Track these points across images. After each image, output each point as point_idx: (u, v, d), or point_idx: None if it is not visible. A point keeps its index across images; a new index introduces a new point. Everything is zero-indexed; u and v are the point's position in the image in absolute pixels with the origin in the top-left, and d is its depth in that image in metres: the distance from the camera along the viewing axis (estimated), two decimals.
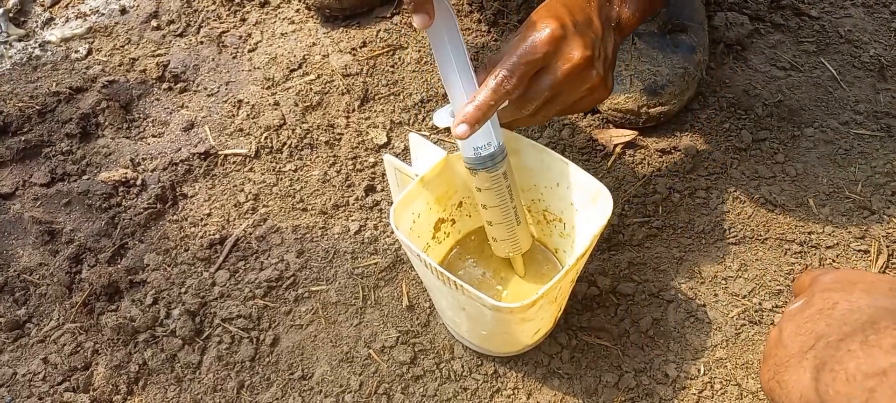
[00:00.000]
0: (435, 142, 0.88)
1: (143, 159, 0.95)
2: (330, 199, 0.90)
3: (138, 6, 1.13)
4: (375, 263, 0.84)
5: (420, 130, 0.97)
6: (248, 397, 0.75)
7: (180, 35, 1.09)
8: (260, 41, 1.07)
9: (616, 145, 0.92)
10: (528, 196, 0.76)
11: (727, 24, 1.04)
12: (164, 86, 1.03)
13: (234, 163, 0.94)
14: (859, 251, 0.83)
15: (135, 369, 0.77)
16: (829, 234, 0.84)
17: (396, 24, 1.06)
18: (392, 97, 0.99)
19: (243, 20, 1.10)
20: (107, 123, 0.98)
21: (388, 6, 1.09)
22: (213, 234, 0.87)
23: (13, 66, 1.06)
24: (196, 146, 0.95)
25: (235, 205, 0.90)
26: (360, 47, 1.04)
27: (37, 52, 1.08)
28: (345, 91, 0.99)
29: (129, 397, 0.76)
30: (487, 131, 0.65)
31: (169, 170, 0.93)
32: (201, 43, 1.08)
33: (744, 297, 0.80)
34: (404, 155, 0.94)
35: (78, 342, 0.79)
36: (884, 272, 0.82)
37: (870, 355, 0.43)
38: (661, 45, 0.92)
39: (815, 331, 0.48)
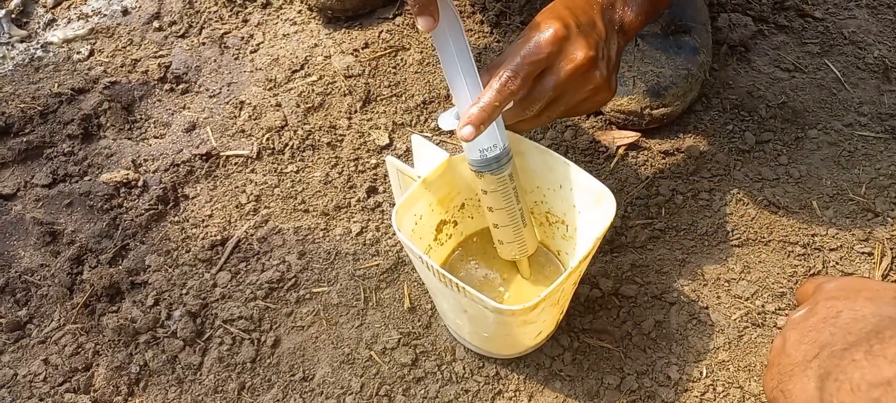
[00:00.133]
0: (437, 144, 0.88)
1: (145, 160, 0.95)
2: (332, 201, 0.90)
3: (140, 7, 1.13)
4: (377, 265, 0.84)
5: (422, 132, 0.96)
6: (249, 398, 0.75)
7: (182, 36, 1.09)
8: (262, 42, 1.07)
9: (619, 147, 0.92)
10: (530, 198, 0.76)
11: (730, 25, 1.04)
12: (166, 87, 1.03)
13: (235, 164, 0.94)
14: (863, 253, 0.83)
15: (136, 370, 0.77)
16: (833, 237, 0.84)
17: (398, 26, 1.06)
18: (394, 98, 0.99)
19: (245, 21, 1.10)
20: (108, 124, 0.98)
21: (391, 7, 1.09)
22: (215, 235, 0.87)
23: (15, 67, 1.06)
24: (198, 147, 0.95)
25: (237, 207, 0.90)
26: (363, 48, 1.04)
27: (39, 53, 1.08)
28: (347, 92, 0.99)
29: (129, 398, 0.76)
30: (493, 133, 0.65)
31: (170, 171, 0.93)
32: (203, 44, 1.07)
33: (747, 300, 0.80)
34: (406, 156, 0.93)
35: (79, 343, 0.79)
36: (887, 275, 0.81)
37: (874, 365, 0.42)
38: (665, 46, 0.92)
39: (820, 340, 0.48)
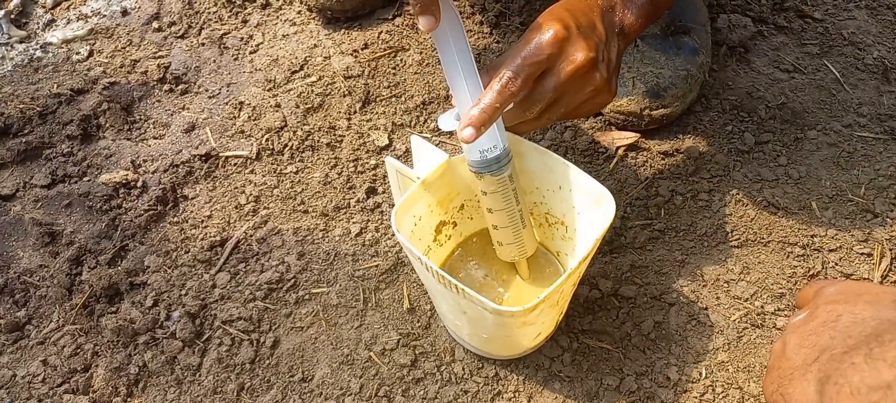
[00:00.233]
0: (436, 145, 0.88)
1: (144, 161, 0.95)
2: (331, 201, 0.90)
3: (140, 8, 1.13)
4: (376, 265, 0.84)
5: (422, 132, 0.96)
6: (249, 399, 0.75)
7: (181, 37, 1.09)
8: (261, 43, 1.07)
9: (618, 147, 0.92)
10: (530, 198, 0.76)
11: (730, 26, 1.04)
12: (166, 87, 1.03)
13: (234, 164, 0.94)
14: (862, 254, 0.83)
15: (135, 371, 0.77)
16: (832, 237, 0.84)
17: (398, 26, 1.06)
18: (393, 99, 0.99)
19: (245, 22, 1.10)
20: (108, 125, 0.98)
21: (390, 8, 1.09)
22: (214, 236, 0.87)
23: (14, 68, 1.06)
24: (197, 148, 0.95)
25: (236, 207, 0.90)
26: (362, 49, 1.04)
27: (38, 53, 1.08)
28: (346, 93, 0.99)
29: (128, 399, 0.76)
30: (493, 134, 0.65)
31: (170, 172, 0.93)
32: (202, 45, 1.07)
33: (746, 300, 0.80)
34: (405, 157, 0.93)
35: (78, 344, 0.79)
36: (886, 276, 0.81)
37: (874, 368, 0.42)
38: (664, 47, 0.92)
39: (819, 344, 0.48)
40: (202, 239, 0.87)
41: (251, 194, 0.91)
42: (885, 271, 0.82)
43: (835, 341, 0.47)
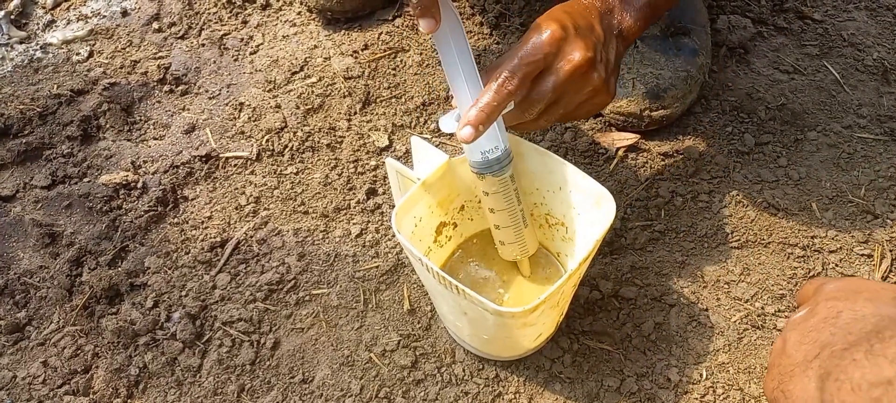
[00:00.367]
0: (437, 146, 0.88)
1: (144, 162, 0.95)
2: (331, 202, 0.90)
3: (140, 8, 1.12)
4: (377, 266, 0.84)
5: (422, 133, 0.96)
6: (249, 400, 0.75)
7: (182, 37, 1.09)
8: (261, 44, 1.07)
9: (618, 148, 0.92)
10: (530, 199, 0.76)
11: (730, 27, 1.04)
12: (166, 88, 1.03)
13: (235, 165, 0.94)
14: (862, 255, 0.83)
15: (135, 372, 0.77)
16: (832, 238, 0.84)
17: (398, 27, 1.06)
18: (394, 100, 0.99)
19: (245, 23, 1.10)
20: (108, 126, 0.98)
21: (390, 9, 1.09)
22: (214, 237, 0.87)
23: (14, 69, 1.06)
24: (197, 149, 0.95)
25: (236, 208, 0.90)
26: (362, 50, 1.04)
27: (38, 54, 1.08)
28: (346, 94, 0.99)
29: (128, 400, 0.76)
30: (494, 134, 0.65)
31: (170, 173, 0.93)
32: (203, 45, 1.07)
33: (746, 302, 0.80)
34: (406, 158, 0.93)
35: (78, 345, 0.79)
36: (886, 277, 0.81)
37: (875, 364, 0.42)
38: (664, 48, 0.92)
39: (820, 341, 0.48)
40: (202, 241, 0.87)
41: (251, 195, 0.91)
42: (885, 272, 0.82)
43: (835, 337, 0.47)
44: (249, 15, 1.11)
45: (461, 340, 0.77)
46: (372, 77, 1.01)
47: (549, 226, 0.78)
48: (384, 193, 0.91)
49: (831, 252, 0.83)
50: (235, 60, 1.06)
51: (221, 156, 0.95)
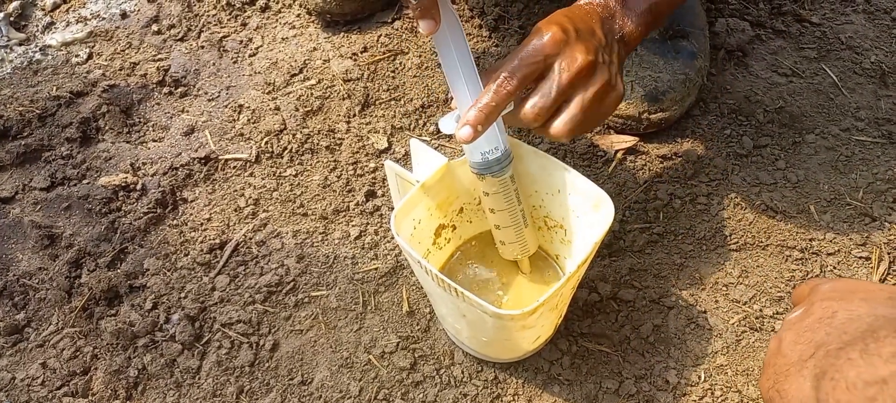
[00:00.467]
0: (436, 148, 0.88)
1: (144, 164, 0.95)
2: (330, 204, 0.90)
3: (139, 11, 1.13)
4: (376, 268, 0.84)
5: (421, 136, 0.97)
6: (248, 402, 0.75)
7: (181, 39, 1.09)
8: (261, 46, 1.07)
9: (617, 151, 0.92)
10: (529, 202, 0.76)
11: (728, 30, 1.04)
12: (165, 90, 1.03)
13: (234, 167, 0.94)
14: (860, 258, 0.83)
15: (134, 374, 0.77)
16: (830, 241, 0.84)
17: (397, 30, 1.06)
18: (393, 102, 0.99)
19: (244, 25, 1.10)
20: (107, 128, 0.98)
21: (389, 11, 1.09)
22: (213, 239, 0.87)
23: (14, 70, 1.06)
24: (196, 151, 0.95)
25: (236, 210, 0.90)
26: (361, 52, 1.04)
27: (37, 56, 1.08)
28: (345, 96, 0.99)
29: (127, 402, 0.76)
30: (494, 135, 0.65)
31: (169, 175, 0.93)
32: (202, 47, 1.08)
33: (745, 304, 0.80)
34: (405, 160, 0.93)
35: (77, 347, 0.79)
36: (884, 279, 0.82)
37: (870, 363, 0.43)
38: (663, 50, 0.92)
39: (815, 340, 0.48)
40: (201, 242, 0.87)
41: (250, 197, 0.91)
42: (883, 274, 0.82)
43: (830, 337, 0.47)
44: (249, 17, 1.11)
45: (460, 342, 0.77)
46: (371, 79, 1.01)
47: (548, 229, 0.78)
48: (383, 195, 0.91)
49: (829, 254, 0.84)
50: (235, 62, 1.06)
51: (220, 158, 0.95)
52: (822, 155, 0.92)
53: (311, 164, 0.94)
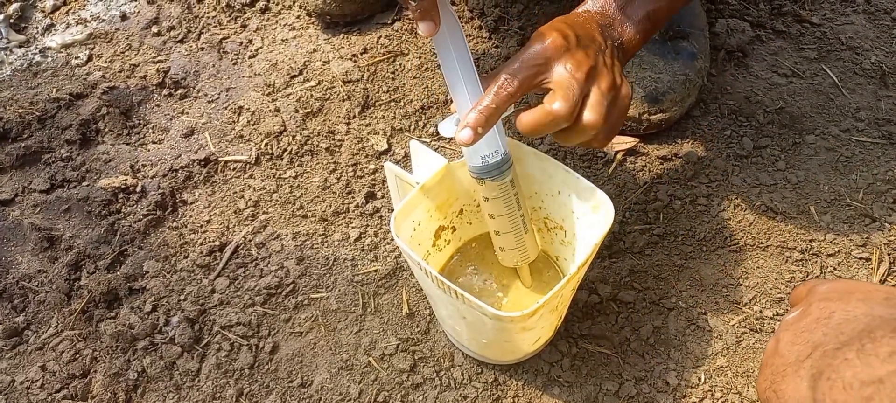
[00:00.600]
0: (435, 150, 0.88)
1: (143, 165, 0.95)
2: (330, 206, 0.90)
3: (139, 12, 1.13)
4: (375, 270, 0.84)
5: (421, 137, 0.96)
6: None
7: (181, 41, 1.09)
8: (260, 47, 1.07)
9: (617, 152, 0.92)
10: (529, 203, 0.76)
11: (728, 30, 1.04)
12: (165, 92, 1.03)
13: (234, 169, 0.94)
14: (861, 259, 0.83)
15: (133, 376, 0.77)
16: (831, 242, 0.84)
17: (397, 31, 1.06)
18: (393, 104, 0.99)
19: (244, 26, 1.10)
20: (107, 129, 0.98)
21: (389, 13, 1.09)
22: (213, 241, 0.87)
23: (13, 72, 1.06)
24: (196, 152, 0.95)
25: (235, 212, 0.90)
26: (361, 54, 1.04)
27: (37, 57, 1.08)
28: (345, 97, 0.99)
29: None
30: (494, 139, 0.65)
31: (169, 177, 0.93)
32: (202, 49, 1.08)
33: (745, 305, 0.80)
34: (405, 161, 0.93)
35: (76, 349, 0.79)
36: (884, 280, 0.81)
37: (866, 363, 0.43)
38: (663, 51, 0.92)
39: (812, 340, 0.48)
40: (201, 244, 0.87)
41: (250, 199, 0.91)
42: (883, 275, 0.82)
43: (827, 337, 0.47)
44: (248, 19, 1.11)
45: (460, 344, 0.77)
46: (371, 81, 1.01)
47: (548, 230, 0.78)
48: (383, 197, 0.91)
49: (830, 255, 0.83)
50: (234, 64, 1.06)
51: (220, 159, 0.95)
52: (823, 155, 0.92)
53: (310, 166, 0.94)
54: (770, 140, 0.94)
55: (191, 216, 0.90)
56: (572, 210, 0.72)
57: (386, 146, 0.95)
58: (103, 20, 1.13)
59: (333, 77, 1.01)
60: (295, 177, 0.93)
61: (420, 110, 0.98)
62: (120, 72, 1.05)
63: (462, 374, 0.76)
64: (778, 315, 0.79)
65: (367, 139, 0.96)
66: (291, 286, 0.83)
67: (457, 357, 0.77)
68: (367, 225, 0.88)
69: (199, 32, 1.10)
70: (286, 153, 0.94)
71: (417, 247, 0.74)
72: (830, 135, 0.94)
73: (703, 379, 0.75)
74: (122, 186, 0.92)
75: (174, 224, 0.89)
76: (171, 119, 1.00)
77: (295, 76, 1.02)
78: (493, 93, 0.61)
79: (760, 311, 0.80)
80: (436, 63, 1.02)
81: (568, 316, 0.79)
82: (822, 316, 0.49)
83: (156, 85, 1.03)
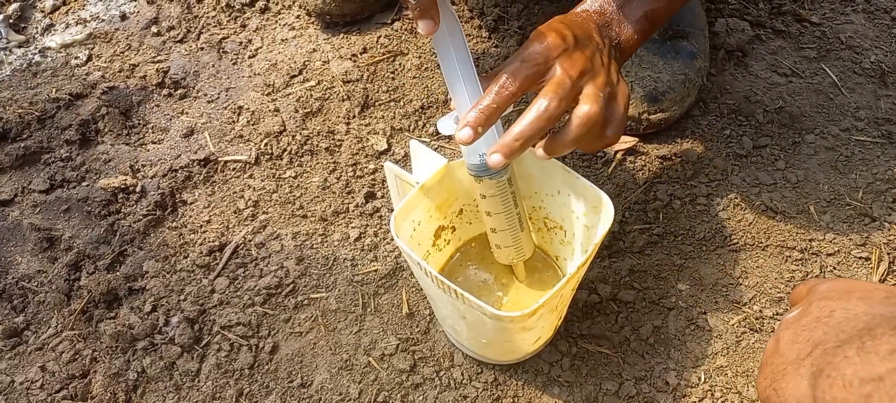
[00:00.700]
0: (435, 149, 0.88)
1: (143, 166, 0.95)
2: (330, 206, 0.90)
3: (138, 12, 1.13)
4: (375, 270, 0.84)
5: (420, 137, 0.96)
6: None
7: (180, 41, 1.09)
8: (260, 47, 1.07)
9: (617, 152, 0.92)
10: (528, 203, 0.76)
11: (728, 30, 1.04)
12: (164, 92, 1.03)
13: (233, 169, 0.94)
14: (860, 258, 0.83)
15: (133, 377, 0.77)
16: (830, 241, 0.84)
17: (397, 31, 1.06)
18: (392, 103, 0.99)
19: (244, 26, 1.10)
20: (106, 130, 0.98)
21: (389, 12, 1.09)
22: (213, 241, 0.87)
23: (13, 72, 1.06)
24: (196, 152, 0.95)
25: (235, 212, 0.90)
26: (361, 53, 1.04)
27: (37, 58, 1.08)
28: (345, 97, 0.99)
29: None
30: (492, 137, 0.65)
31: (168, 177, 0.93)
32: (201, 49, 1.07)
33: (744, 305, 0.80)
34: (404, 161, 0.93)
35: (76, 349, 0.79)
36: (884, 280, 0.81)
37: (867, 361, 0.43)
38: (662, 51, 0.92)
39: (812, 339, 0.48)
40: (201, 244, 0.87)
41: (250, 199, 0.91)
42: (883, 275, 0.82)
43: (828, 336, 0.47)
44: (248, 19, 1.11)
45: (460, 344, 0.77)
46: (370, 80, 1.01)
47: (548, 230, 0.78)
48: (383, 197, 0.91)
49: (829, 255, 0.83)
50: (234, 64, 1.06)
51: (220, 159, 0.95)
52: (822, 155, 0.92)
53: (310, 166, 0.94)
54: (770, 139, 0.94)
55: (190, 216, 0.90)
56: (572, 209, 0.72)
57: (386, 146, 0.95)
58: (103, 20, 1.13)
59: (333, 77, 1.01)
60: (295, 177, 0.93)
61: (420, 110, 0.98)
62: (119, 72, 1.05)
63: (462, 374, 0.76)
64: (778, 314, 0.79)
65: (367, 139, 0.96)
66: (291, 286, 0.83)
67: (457, 357, 0.77)
68: (367, 225, 0.88)
69: (199, 32, 1.10)
70: (286, 153, 0.94)
71: (417, 247, 0.74)
72: (830, 134, 0.94)
73: (702, 379, 0.75)
74: (122, 186, 0.92)
75: (174, 224, 0.89)
76: (170, 119, 1.00)
77: (294, 76, 1.02)
78: (494, 92, 0.61)
79: (760, 311, 0.80)
80: (435, 63, 1.02)
81: (568, 315, 0.79)
82: (822, 314, 0.49)
83: (155, 85, 1.03)
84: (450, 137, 0.96)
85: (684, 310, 0.80)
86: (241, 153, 0.95)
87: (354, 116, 0.98)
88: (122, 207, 0.91)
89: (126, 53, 1.08)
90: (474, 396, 0.75)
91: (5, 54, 1.08)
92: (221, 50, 1.07)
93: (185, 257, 0.86)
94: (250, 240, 0.87)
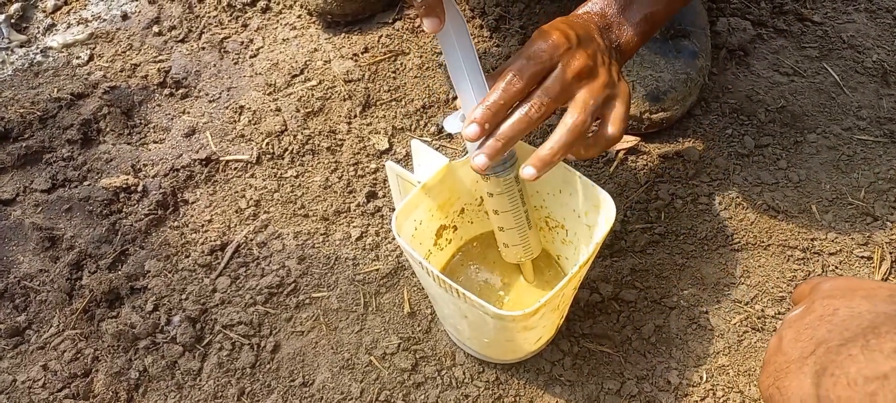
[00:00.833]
0: (437, 149, 0.88)
1: (145, 165, 0.95)
2: (331, 205, 0.90)
3: (140, 12, 1.13)
4: (377, 269, 0.84)
5: (422, 136, 0.96)
6: None
7: (182, 41, 1.09)
8: (262, 47, 1.07)
9: (618, 151, 0.92)
10: (530, 202, 0.76)
11: (730, 29, 1.04)
12: (166, 91, 1.03)
13: (235, 169, 0.94)
14: (862, 257, 0.83)
15: (135, 376, 0.77)
16: (832, 241, 0.84)
17: (398, 30, 1.06)
18: (394, 103, 0.99)
19: (245, 26, 1.10)
20: (108, 129, 0.98)
21: (390, 12, 1.09)
22: (214, 240, 0.87)
23: (15, 72, 1.06)
24: (197, 152, 0.95)
25: (236, 212, 0.90)
26: (362, 53, 1.04)
27: (38, 57, 1.08)
28: (346, 97, 0.99)
29: None
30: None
31: (170, 177, 0.93)
32: (203, 49, 1.08)
33: (746, 304, 0.80)
34: (406, 161, 0.93)
35: (78, 348, 0.79)
36: (886, 279, 0.81)
37: (871, 359, 0.43)
38: (664, 50, 0.92)
39: (816, 337, 0.48)
40: (202, 244, 0.87)
41: (251, 198, 0.91)
42: (885, 274, 0.82)
43: (831, 334, 0.47)
44: (249, 18, 1.11)
45: (461, 343, 0.77)
46: (372, 80, 1.01)
47: (549, 229, 0.78)
48: (384, 196, 0.91)
49: (831, 254, 0.83)
50: (235, 64, 1.06)
51: (221, 159, 0.95)
52: (824, 154, 0.92)
53: (312, 165, 0.94)
54: (771, 139, 0.94)
55: (192, 215, 0.90)
56: (574, 209, 0.72)
57: (387, 145, 0.95)
58: (104, 20, 1.13)
59: (334, 76, 1.01)
60: (296, 177, 0.93)
61: (421, 109, 0.98)
62: (121, 71, 1.05)
63: (463, 373, 0.76)
64: (779, 313, 0.79)
65: (369, 138, 0.96)
66: (293, 285, 0.83)
67: (458, 356, 0.77)
68: (369, 225, 0.88)
69: (201, 32, 1.10)
70: (287, 152, 0.94)
71: (419, 247, 0.74)
72: (832, 133, 0.94)
73: (704, 378, 0.75)
74: (124, 186, 0.92)
75: (175, 223, 0.89)
76: (172, 118, 1.00)
77: (296, 75, 1.02)
78: (501, 89, 0.61)
79: (762, 310, 0.80)
80: (437, 62, 1.02)
81: (569, 315, 0.79)
82: (825, 313, 0.49)
83: (157, 84, 1.03)
84: (453, 136, 0.96)
85: (686, 309, 0.80)
86: (243, 152, 0.95)
87: (356, 116, 0.98)
88: (124, 207, 0.91)
89: (127, 53, 1.08)
90: (476, 395, 0.75)
91: (7, 54, 1.08)
92: (223, 49, 1.07)
93: (187, 256, 0.86)
94: (252, 240, 0.87)
